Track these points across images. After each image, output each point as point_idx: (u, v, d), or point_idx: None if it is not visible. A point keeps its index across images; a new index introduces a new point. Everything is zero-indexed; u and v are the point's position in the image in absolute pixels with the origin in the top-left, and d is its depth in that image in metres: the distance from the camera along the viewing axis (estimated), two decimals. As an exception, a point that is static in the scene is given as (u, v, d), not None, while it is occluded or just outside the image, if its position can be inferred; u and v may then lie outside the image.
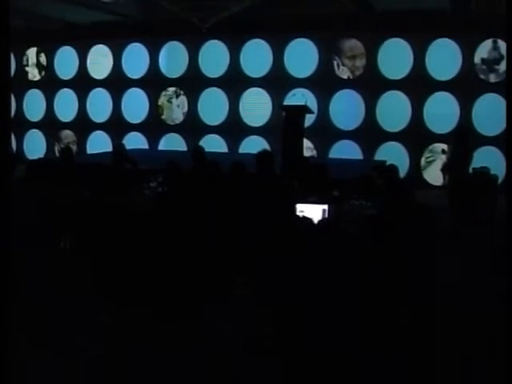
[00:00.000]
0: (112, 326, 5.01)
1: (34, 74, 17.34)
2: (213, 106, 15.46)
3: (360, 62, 14.59)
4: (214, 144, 14.75)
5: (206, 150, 9.25)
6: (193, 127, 15.67)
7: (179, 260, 5.34)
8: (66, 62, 16.79)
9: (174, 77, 15.87)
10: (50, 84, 17.01)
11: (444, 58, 13.83)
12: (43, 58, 17.18)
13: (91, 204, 6.18)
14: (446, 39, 13.77)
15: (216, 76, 15.42)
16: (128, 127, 16.26)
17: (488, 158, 11.67)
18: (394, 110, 14.29)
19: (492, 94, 13.26)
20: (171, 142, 15.89)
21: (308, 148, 13.90)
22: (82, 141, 16.84)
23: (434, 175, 13.80)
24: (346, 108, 14.63)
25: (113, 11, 14.45)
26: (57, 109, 17.06)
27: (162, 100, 16.05)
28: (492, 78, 13.72)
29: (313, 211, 6.00)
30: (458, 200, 9.72)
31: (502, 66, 13.36)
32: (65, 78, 16.88)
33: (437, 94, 13.95)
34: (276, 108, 14.47)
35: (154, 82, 15.95)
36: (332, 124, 14.70)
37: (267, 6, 12.70)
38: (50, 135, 17.21)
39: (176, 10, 10.87)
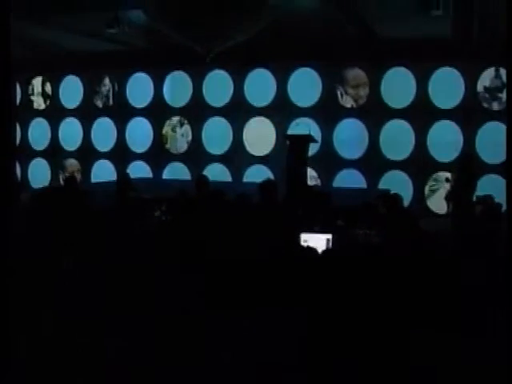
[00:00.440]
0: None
1: (39, 102, 17.44)
2: (216, 135, 15.50)
3: (363, 91, 14.64)
4: (217, 173, 14.77)
5: (210, 178, 9.29)
6: (197, 156, 15.70)
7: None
8: (71, 90, 16.87)
9: (178, 106, 15.94)
10: (55, 113, 17.08)
11: (447, 87, 13.89)
12: (48, 88, 17.28)
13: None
14: (449, 68, 13.85)
15: (220, 105, 15.48)
16: (132, 156, 16.30)
17: (492, 186, 11.65)
18: (398, 139, 14.31)
19: (495, 122, 13.27)
20: (175, 171, 15.91)
21: (312, 177, 13.92)
22: (86, 169, 16.87)
23: (438, 204, 13.79)
24: (350, 137, 14.65)
25: (118, 41, 14.55)
26: (61, 137, 17.11)
27: (167, 129, 16.11)
28: (495, 106, 13.77)
29: (317, 241, 5.99)
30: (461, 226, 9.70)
31: (505, 95, 13.39)
32: (70, 107, 16.95)
33: (440, 122, 13.99)
34: (280, 137, 14.52)
35: (158, 112, 16.02)
36: (336, 153, 14.72)
37: (270, 36, 12.78)
38: (55, 164, 17.25)
39: (180, 39, 10.95)
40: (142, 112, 16.19)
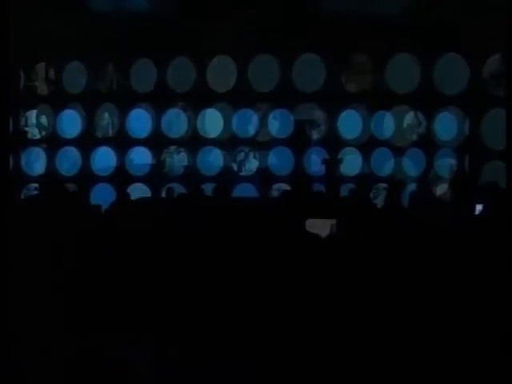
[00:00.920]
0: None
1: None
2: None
3: (367, 77, 14.59)
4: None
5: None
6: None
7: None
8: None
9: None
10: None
11: (452, 73, 13.86)
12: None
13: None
14: (454, 53, 13.81)
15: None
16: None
17: (496, 173, 11.62)
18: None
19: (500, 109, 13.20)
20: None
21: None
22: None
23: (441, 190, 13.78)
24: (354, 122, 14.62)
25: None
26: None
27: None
28: (501, 93, 13.69)
29: (321, 226, 5.97)
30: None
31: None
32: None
33: (444, 108, 13.99)
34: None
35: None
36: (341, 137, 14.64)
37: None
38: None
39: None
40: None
